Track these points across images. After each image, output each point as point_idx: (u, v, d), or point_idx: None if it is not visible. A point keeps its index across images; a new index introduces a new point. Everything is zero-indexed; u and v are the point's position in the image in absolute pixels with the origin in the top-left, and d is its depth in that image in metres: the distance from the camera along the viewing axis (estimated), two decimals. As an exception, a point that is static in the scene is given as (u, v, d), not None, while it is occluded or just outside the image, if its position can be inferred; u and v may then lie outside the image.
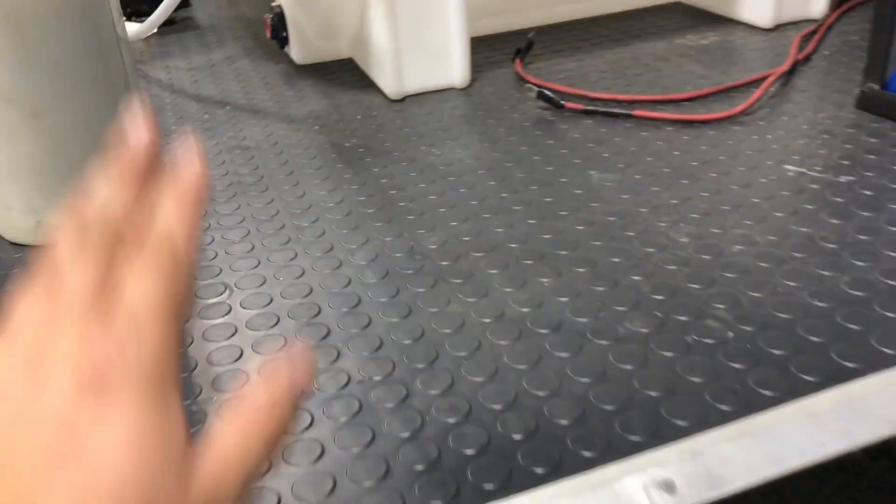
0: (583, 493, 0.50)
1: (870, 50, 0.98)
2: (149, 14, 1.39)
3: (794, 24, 1.32)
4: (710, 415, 0.56)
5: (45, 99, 0.78)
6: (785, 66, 1.11)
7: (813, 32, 1.25)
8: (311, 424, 0.58)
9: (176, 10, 1.51)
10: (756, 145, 0.94)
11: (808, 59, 1.18)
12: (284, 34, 1.32)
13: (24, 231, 0.84)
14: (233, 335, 0.68)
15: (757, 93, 1.03)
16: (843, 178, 0.85)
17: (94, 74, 0.81)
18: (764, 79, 1.08)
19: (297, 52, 1.33)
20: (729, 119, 1.00)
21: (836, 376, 0.58)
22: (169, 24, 1.61)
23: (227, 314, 0.71)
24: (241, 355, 0.66)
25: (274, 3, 1.33)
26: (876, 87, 0.98)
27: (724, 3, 1.39)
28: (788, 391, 0.57)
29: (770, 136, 0.96)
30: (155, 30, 1.52)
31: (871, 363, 0.58)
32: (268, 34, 1.34)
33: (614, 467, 0.52)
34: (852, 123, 0.97)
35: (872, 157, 0.89)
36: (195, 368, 0.65)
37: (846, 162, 0.88)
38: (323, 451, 0.55)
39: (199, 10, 1.78)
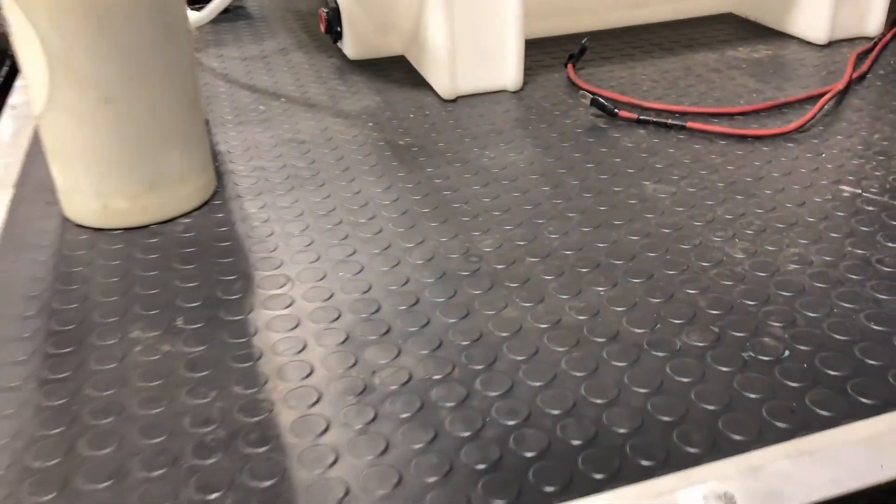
0: (642, 503, 0.51)
1: (929, 73, 0.98)
2: (206, 1, 1.41)
3: (849, 41, 1.32)
4: (767, 431, 0.57)
5: (117, 85, 0.81)
6: (840, 85, 1.11)
7: (868, 51, 1.25)
8: (374, 419, 0.59)
9: (230, -1, 1.54)
10: (811, 164, 0.94)
11: (863, 77, 1.18)
12: (339, 29, 1.34)
13: (91, 214, 0.87)
14: (295, 327, 0.70)
15: (813, 110, 1.03)
16: (898, 201, 0.85)
17: (164, 62, 0.83)
18: (819, 96, 1.08)
19: (350, 47, 1.35)
20: (783, 136, 1.01)
21: (894, 401, 0.58)
22: (223, 13, 1.64)
23: (289, 306, 0.73)
24: (304, 347, 0.68)
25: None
26: (933, 110, 0.98)
27: (777, 17, 1.38)
28: (846, 413, 0.58)
29: (825, 155, 0.96)
30: (212, 18, 1.54)
31: (929, 389, 0.59)
32: (322, 28, 1.36)
33: (673, 478, 0.53)
34: (908, 145, 0.97)
35: (928, 181, 0.89)
36: (260, 358, 0.67)
37: (902, 185, 0.88)
38: (387, 447, 0.57)
39: (251, -1, 1.80)
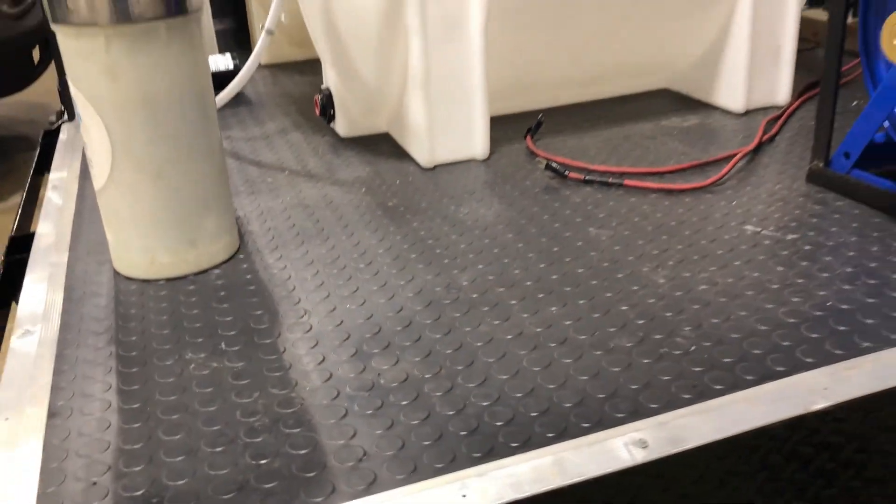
0: (582, 449, 0.71)
1: (815, 135, 1.21)
2: (218, 90, 1.63)
3: (764, 109, 1.56)
4: (674, 402, 0.76)
5: (167, 164, 1.01)
6: (751, 146, 1.34)
7: (778, 117, 1.49)
8: (381, 406, 0.78)
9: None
10: (723, 209, 1.16)
11: (772, 139, 1.42)
12: (332, 111, 1.56)
13: (140, 267, 1.06)
14: (315, 346, 0.90)
15: (726, 168, 1.26)
16: (789, 237, 1.07)
17: (204, 142, 1.04)
18: (733, 156, 1.31)
19: (342, 126, 1.57)
20: (703, 188, 1.23)
21: (769, 376, 0.79)
22: (225, 99, 1.86)
23: (308, 331, 0.92)
24: (323, 359, 0.87)
25: (323, 86, 1.57)
26: (821, 164, 1.21)
27: (703, 91, 1.63)
28: (732, 387, 0.78)
29: (735, 203, 1.18)
30: (224, 104, 1.76)
31: (797, 368, 0.79)
32: (317, 111, 1.59)
33: (604, 433, 0.73)
34: (802, 193, 1.20)
35: (814, 220, 1.11)
36: (290, 368, 0.86)
37: (793, 224, 1.10)
38: (392, 423, 0.76)
39: (248, 86, 2.03)
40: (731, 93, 1.56)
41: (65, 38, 0.96)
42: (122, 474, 0.72)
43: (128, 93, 0.96)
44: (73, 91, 0.99)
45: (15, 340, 0.94)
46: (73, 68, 0.97)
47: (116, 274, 1.09)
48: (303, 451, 0.73)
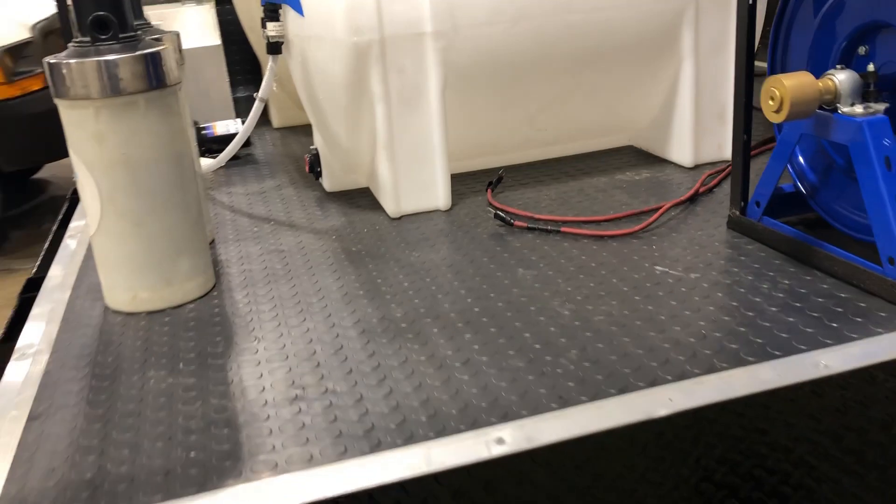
0: (460, 440, 0.84)
1: (732, 187, 1.34)
2: (220, 152, 1.84)
3: (712, 163, 1.69)
4: (544, 409, 0.89)
5: (146, 214, 1.19)
6: (683, 198, 1.47)
7: (721, 171, 1.62)
8: (299, 412, 0.93)
9: (241, 148, 1.98)
10: (642, 253, 1.29)
11: (710, 191, 1.55)
12: (318, 169, 1.75)
13: (124, 302, 1.24)
14: (258, 364, 1.05)
15: (653, 216, 1.40)
16: (692, 276, 1.19)
17: (178, 198, 1.22)
18: (665, 206, 1.44)
19: (327, 182, 1.75)
20: (631, 234, 1.36)
21: (626, 390, 0.91)
22: (235, 159, 2.07)
23: (255, 353, 1.08)
24: (261, 375, 1.02)
25: (312, 147, 1.76)
26: (737, 212, 1.34)
27: (659, 147, 1.77)
28: (593, 397, 0.90)
29: (655, 247, 1.31)
30: (223, 164, 1.97)
31: (655, 383, 0.92)
32: (306, 169, 1.77)
33: (471, 433, 0.86)
34: (720, 239, 1.32)
35: (721, 262, 1.23)
36: (231, 383, 1.01)
37: (701, 265, 1.23)
38: (304, 425, 0.90)
39: (259, 148, 2.24)
40: (681, 149, 1.70)
41: (63, 110, 1.15)
42: (76, 463, 0.88)
43: (112, 155, 1.15)
44: (71, 153, 1.18)
45: (12, 363, 1.12)
46: (69, 135, 1.16)
47: (106, 308, 1.27)
48: (225, 447, 0.88)
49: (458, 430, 0.87)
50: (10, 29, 3.36)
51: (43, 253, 1.65)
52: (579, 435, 0.84)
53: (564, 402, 0.90)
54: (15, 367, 1.10)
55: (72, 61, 1.12)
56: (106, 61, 1.11)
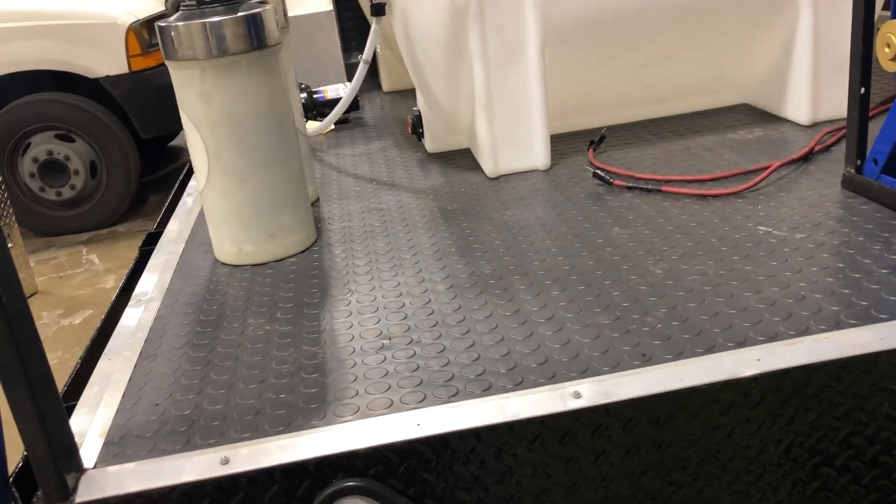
0: (540, 394, 0.84)
1: (847, 143, 1.26)
2: (325, 115, 1.88)
3: (832, 121, 1.59)
4: (626, 366, 0.88)
5: (250, 171, 1.24)
6: (797, 155, 1.40)
7: (840, 129, 1.52)
8: (384, 361, 0.96)
9: (349, 111, 2.03)
10: (746, 213, 1.24)
11: (828, 149, 1.46)
12: (420, 130, 1.76)
13: (230, 255, 1.30)
14: (349, 316, 1.08)
15: (761, 175, 1.33)
16: (797, 236, 1.13)
17: (280, 154, 1.27)
18: (779, 165, 1.37)
19: (429, 143, 1.76)
20: (735, 194, 1.31)
21: (714, 349, 0.88)
22: (344, 123, 2.13)
23: (347, 305, 1.12)
24: (351, 326, 1.05)
25: (414, 108, 1.78)
26: (853, 171, 1.25)
27: (774, 104, 1.68)
28: (678, 356, 0.88)
29: (760, 207, 1.25)
30: (332, 127, 2.02)
31: (745, 343, 0.88)
32: (409, 130, 1.80)
33: (549, 386, 0.86)
34: (832, 199, 1.24)
35: (831, 222, 1.16)
36: (323, 332, 1.05)
37: (808, 225, 1.16)
38: (387, 373, 0.93)
39: (368, 111, 2.29)
40: (798, 106, 1.60)
41: (173, 71, 1.22)
42: (177, 399, 0.94)
43: (218, 113, 1.20)
44: (181, 113, 1.24)
45: (128, 309, 1.20)
46: (179, 95, 1.23)
47: (215, 261, 1.34)
48: (312, 390, 0.92)
49: (536, 384, 0.87)
50: (145, 2, 3.54)
51: (164, 209, 1.75)
52: (658, 392, 0.82)
53: (647, 359, 0.89)
54: (130, 313, 1.19)
55: (179, 23, 1.17)
56: (210, 23, 1.16)
